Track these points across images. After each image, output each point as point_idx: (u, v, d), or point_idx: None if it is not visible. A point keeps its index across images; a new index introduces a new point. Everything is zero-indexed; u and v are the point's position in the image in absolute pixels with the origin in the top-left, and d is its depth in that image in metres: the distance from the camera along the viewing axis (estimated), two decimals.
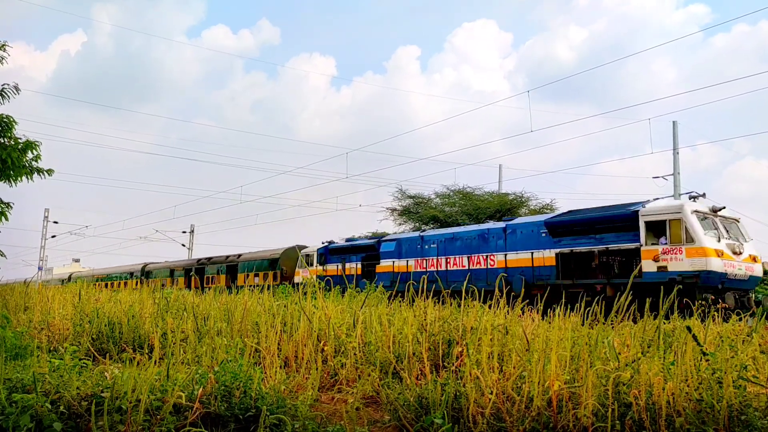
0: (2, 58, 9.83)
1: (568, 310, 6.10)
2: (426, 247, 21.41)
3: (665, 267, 14.19)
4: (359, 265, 24.04)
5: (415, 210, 35.93)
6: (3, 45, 9.76)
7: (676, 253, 14.07)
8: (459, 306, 6.46)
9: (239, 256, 32.61)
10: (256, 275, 29.76)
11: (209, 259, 34.41)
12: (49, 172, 10.33)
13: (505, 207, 33.04)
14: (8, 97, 9.85)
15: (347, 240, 27.58)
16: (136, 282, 37.56)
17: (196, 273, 34.95)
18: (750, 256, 14.93)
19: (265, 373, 5.24)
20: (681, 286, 9.26)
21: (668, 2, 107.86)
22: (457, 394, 4.28)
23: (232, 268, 32.29)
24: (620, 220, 15.78)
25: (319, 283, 8.01)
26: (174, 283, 35.79)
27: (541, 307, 6.95)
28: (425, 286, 7.22)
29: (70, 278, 49.66)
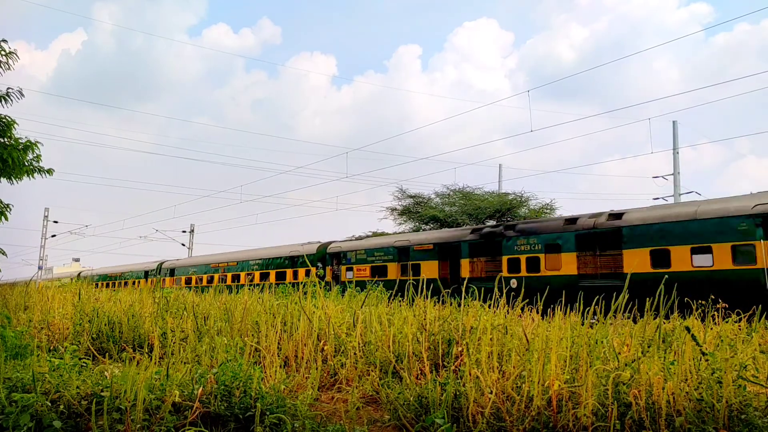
0: (9, 66, 9.84)
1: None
2: None
3: None
4: None
5: (414, 210, 35.93)
6: (11, 52, 9.78)
7: None
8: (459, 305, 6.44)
9: (570, 221, 16.36)
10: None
11: (477, 229, 19.17)
12: (50, 171, 10.33)
13: (505, 207, 33.03)
14: (11, 101, 9.87)
15: None
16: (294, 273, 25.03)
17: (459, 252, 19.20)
18: None
19: (265, 372, 5.23)
20: None
21: (670, 1, 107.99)
22: (457, 393, 4.28)
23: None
24: None
25: None
26: (412, 271, 20.51)
27: None
28: None
29: (159, 270, 36.30)
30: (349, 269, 23.43)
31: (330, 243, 25.83)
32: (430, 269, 19.79)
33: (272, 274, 26.57)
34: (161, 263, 36.98)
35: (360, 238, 27.88)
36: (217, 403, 4.23)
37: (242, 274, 28.63)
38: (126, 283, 35.34)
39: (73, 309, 8.86)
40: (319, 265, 24.78)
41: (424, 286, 6.82)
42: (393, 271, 21.32)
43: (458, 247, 19.29)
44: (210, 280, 30.33)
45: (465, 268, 18.52)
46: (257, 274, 27.59)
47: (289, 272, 26.00)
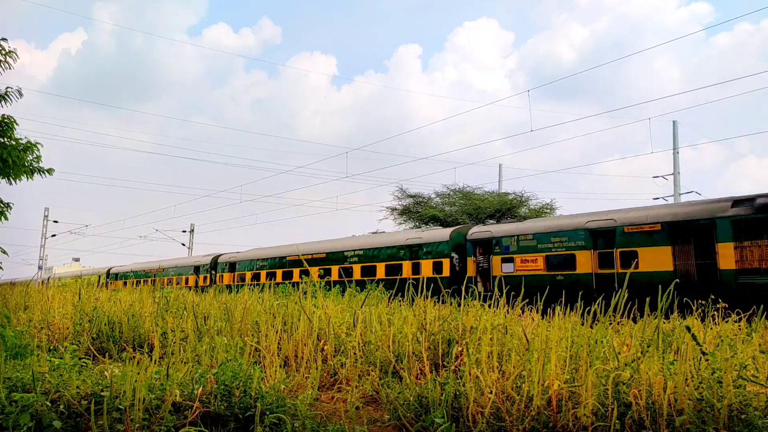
0: (9, 65, 9.83)
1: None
2: None
3: None
4: None
5: (415, 210, 35.95)
6: (10, 51, 9.78)
7: None
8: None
9: None
10: None
11: (747, 200, 13.78)
12: (50, 171, 10.32)
13: (504, 207, 33.04)
14: (10, 100, 9.87)
15: None
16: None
17: None
18: None
19: (265, 372, 5.23)
20: None
21: (670, 1, 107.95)
22: (457, 393, 4.28)
23: None
24: None
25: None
26: None
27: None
28: None
29: (214, 265, 31.24)
30: (507, 260, 17.87)
31: (470, 226, 20.66)
32: (654, 259, 14.43)
33: (380, 267, 21.45)
34: (217, 257, 32.05)
35: (515, 219, 23.08)
36: (217, 403, 4.23)
37: (334, 269, 23.28)
38: (170, 282, 32.77)
39: (73, 309, 8.86)
40: (454, 255, 19.56)
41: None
42: (585, 262, 15.78)
43: (710, 227, 13.71)
44: (286, 277, 25.48)
45: (726, 258, 13.31)
46: (357, 267, 22.50)
47: (406, 265, 20.53)
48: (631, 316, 5.67)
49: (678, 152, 27.16)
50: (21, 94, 9.94)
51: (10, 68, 9.76)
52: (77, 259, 76.82)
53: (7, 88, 9.82)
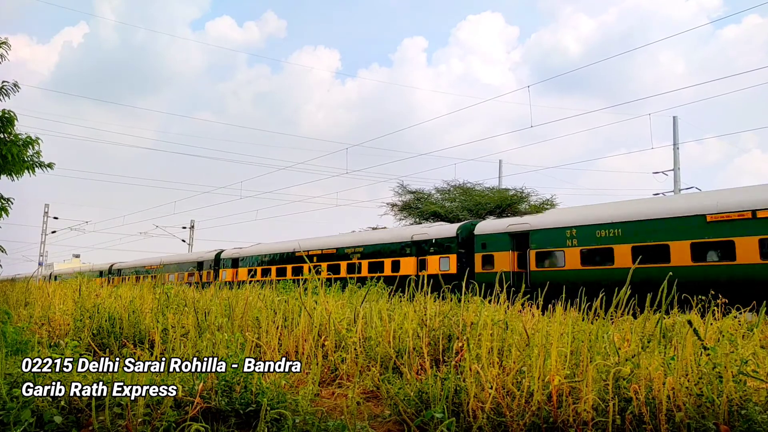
0: (2, 56, 9.78)
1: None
2: None
3: None
4: None
5: (415, 206, 35.93)
6: (2, 43, 9.74)
7: None
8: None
9: None
10: None
11: None
12: (50, 165, 10.33)
13: (505, 203, 33.03)
14: (8, 94, 9.85)
15: None
16: None
17: None
18: None
19: None
20: None
21: None
22: (457, 388, 4.29)
23: None
24: None
25: None
26: None
27: None
28: None
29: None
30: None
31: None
32: None
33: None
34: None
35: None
36: (217, 399, 4.24)
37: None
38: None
39: (73, 305, 8.86)
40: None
41: None
42: None
43: None
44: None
45: None
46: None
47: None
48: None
49: (678, 148, 27.13)
50: (18, 87, 9.91)
51: (2, 60, 9.69)
52: (77, 256, 76.99)
53: (3, 82, 9.79)
